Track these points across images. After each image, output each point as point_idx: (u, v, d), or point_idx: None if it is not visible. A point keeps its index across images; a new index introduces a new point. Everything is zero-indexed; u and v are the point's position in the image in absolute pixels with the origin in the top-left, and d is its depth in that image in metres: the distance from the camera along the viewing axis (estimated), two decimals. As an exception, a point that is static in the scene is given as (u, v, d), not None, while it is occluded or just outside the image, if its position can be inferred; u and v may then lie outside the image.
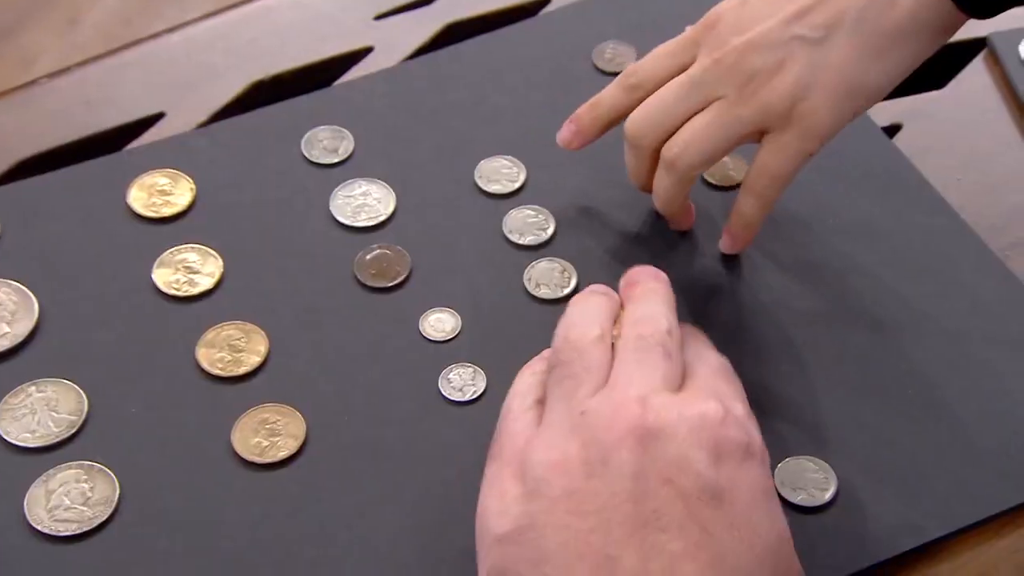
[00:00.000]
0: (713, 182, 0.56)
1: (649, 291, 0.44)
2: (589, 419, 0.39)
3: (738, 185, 0.55)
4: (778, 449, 0.47)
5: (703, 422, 0.38)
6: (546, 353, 0.44)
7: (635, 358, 0.41)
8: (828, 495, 0.46)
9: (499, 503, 0.39)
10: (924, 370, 0.49)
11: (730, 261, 0.53)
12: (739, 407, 0.41)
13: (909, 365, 0.50)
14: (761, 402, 0.48)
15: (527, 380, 0.43)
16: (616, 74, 0.59)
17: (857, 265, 0.53)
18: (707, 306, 0.52)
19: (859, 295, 0.52)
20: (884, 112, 0.59)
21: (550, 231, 0.54)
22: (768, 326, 0.51)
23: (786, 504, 0.46)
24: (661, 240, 0.54)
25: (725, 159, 0.56)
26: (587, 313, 0.43)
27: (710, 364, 0.43)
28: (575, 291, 0.52)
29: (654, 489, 0.37)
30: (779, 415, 0.48)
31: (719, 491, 0.37)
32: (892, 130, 0.58)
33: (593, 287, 0.45)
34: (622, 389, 0.40)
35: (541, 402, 0.42)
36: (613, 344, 0.42)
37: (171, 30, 0.64)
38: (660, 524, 0.36)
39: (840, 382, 0.49)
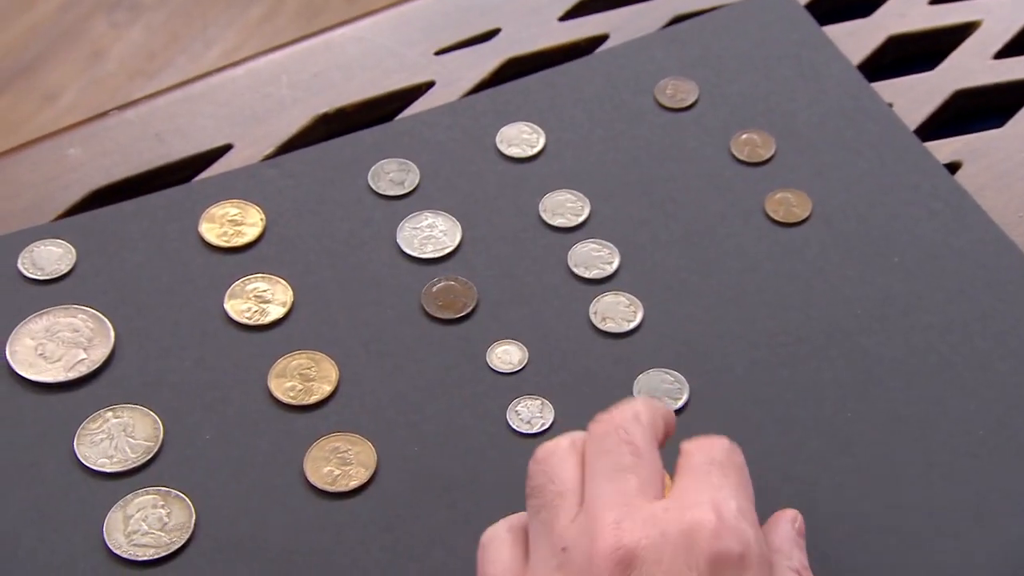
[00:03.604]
0: (776, 219, 0.56)
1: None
2: (571, 555, 0.37)
3: (803, 222, 0.56)
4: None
5: (691, 539, 0.36)
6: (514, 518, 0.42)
7: (601, 466, 0.38)
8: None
9: None
10: (992, 410, 0.50)
11: (794, 296, 0.53)
12: (732, 504, 0.37)
13: (978, 404, 0.50)
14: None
15: (495, 528, 0.41)
16: (678, 110, 0.61)
17: (922, 303, 0.53)
18: (772, 339, 0.52)
19: (924, 334, 0.52)
20: (943, 150, 0.59)
21: (615, 265, 0.54)
22: (833, 358, 0.51)
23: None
24: (726, 273, 0.54)
25: (787, 194, 0.57)
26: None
27: (706, 450, 0.39)
28: (641, 324, 0.52)
29: None
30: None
31: None
32: (952, 168, 0.59)
33: None
34: (597, 513, 0.37)
35: (519, 539, 0.40)
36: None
37: (234, 64, 0.65)
38: None
39: (907, 418, 0.50)
